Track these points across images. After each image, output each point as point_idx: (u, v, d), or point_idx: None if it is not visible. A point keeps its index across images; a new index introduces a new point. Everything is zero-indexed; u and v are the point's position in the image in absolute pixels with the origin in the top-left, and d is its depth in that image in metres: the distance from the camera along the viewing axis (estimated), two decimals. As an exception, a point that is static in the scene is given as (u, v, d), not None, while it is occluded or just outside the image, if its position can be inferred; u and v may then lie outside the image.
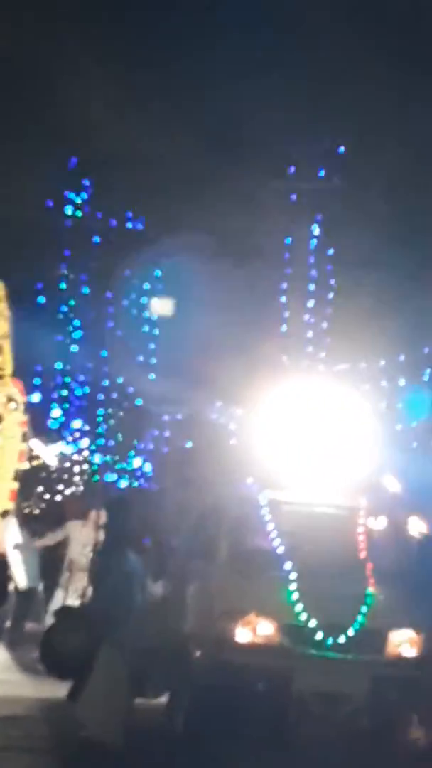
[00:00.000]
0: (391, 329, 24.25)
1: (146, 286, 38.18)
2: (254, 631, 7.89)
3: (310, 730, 7.71)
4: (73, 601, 10.38)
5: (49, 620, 9.77)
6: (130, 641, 7.75)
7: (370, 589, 8.18)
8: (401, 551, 9.18)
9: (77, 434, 32.70)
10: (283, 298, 36.55)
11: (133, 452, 34.10)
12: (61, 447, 24.11)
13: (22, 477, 12.29)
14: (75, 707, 7.77)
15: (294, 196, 35.84)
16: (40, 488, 19.18)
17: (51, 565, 11.70)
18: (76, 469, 23.20)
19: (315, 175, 36.06)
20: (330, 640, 7.86)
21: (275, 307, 35.97)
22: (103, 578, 8.32)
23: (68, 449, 25.81)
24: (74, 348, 38.45)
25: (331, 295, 35.45)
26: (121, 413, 36.51)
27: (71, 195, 38.86)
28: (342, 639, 7.88)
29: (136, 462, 33.02)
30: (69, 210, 38.79)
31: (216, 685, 7.79)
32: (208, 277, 31.12)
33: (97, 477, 23.46)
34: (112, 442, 35.62)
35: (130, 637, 7.75)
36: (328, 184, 35.59)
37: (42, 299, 37.30)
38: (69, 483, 21.75)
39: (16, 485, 11.93)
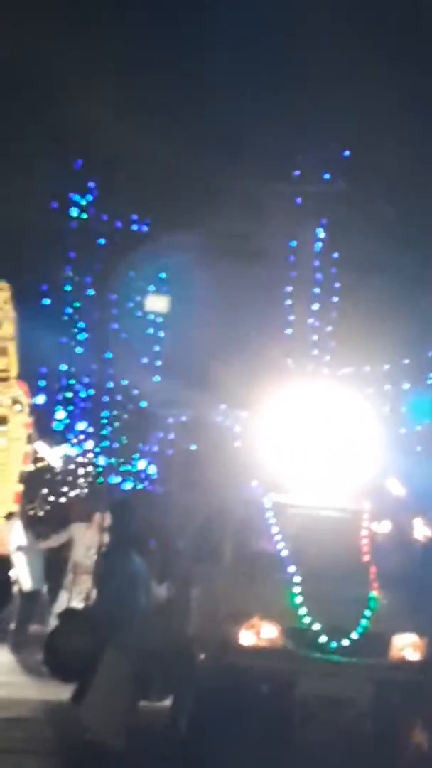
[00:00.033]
0: (396, 333, 24.24)
1: (151, 288, 38.17)
2: (258, 634, 7.90)
3: (314, 734, 7.72)
4: (78, 604, 10.40)
5: (53, 622, 9.79)
6: (135, 644, 7.76)
7: (374, 593, 8.18)
8: (405, 555, 9.19)
9: (82, 436, 32.72)
10: (288, 301, 36.55)
11: (137, 454, 34.08)
12: (65, 449, 24.13)
13: (27, 479, 12.32)
14: (79, 710, 7.78)
15: (299, 199, 35.85)
16: (45, 490, 19.21)
17: (55, 567, 11.71)
18: (81, 471, 23.22)
19: (320, 178, 36.06)
20: (334, 644, 7.86)
21: (280, 310, 35.94)
22: (107, 580, 8.33)
23: (73, 451, 25.83)
24: (79, 350, 38.45)
25: (335, 299, 35.42)
26: (126, 415, 36.49)
27: (76, 197, 38.90)
28: (346, 642, 7.88)
29: (141, 464, 33.01)
30: (74, 212, 38.84)
31: (220, 688, 7.80)
32: (212, 280, 31.12)
33: (101, 479, 23.48)
34: (116, 445, 35.60)
35: (134, 640, 7.76)
36: (333, 187, 35.58)
37: (47, 301, 37.35)
38: (73, 485, 21.78)
39: (20, 487, 11.96)
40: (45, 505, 18.04)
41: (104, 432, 36.96)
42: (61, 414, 36.97)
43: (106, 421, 37.59)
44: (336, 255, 35.81)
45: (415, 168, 25.75)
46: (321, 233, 36.42)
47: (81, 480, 22.67)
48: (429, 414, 21.26)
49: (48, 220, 35.16)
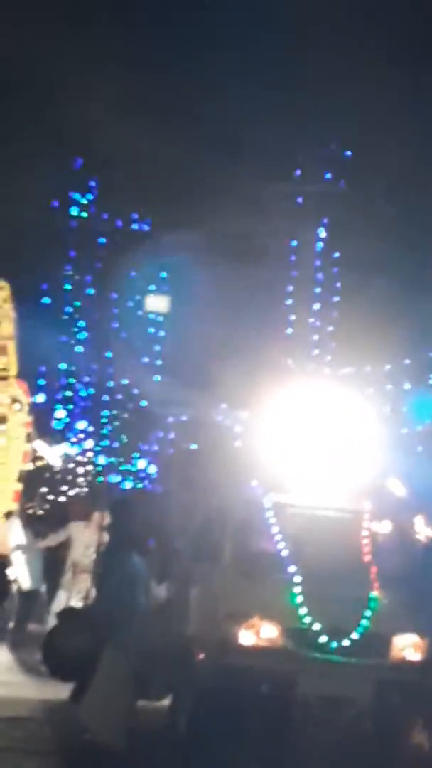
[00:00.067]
0: (397, 333, 24.24)
1: (152, 287, 38.17)
2: (258, 634, 7.88)
3: (314, 734, 7.69)
4: (77, 603, 10.37)
5: (52, 622, 9.77)
6: (134, 643, 7.73)
7: (375, 593, 8.16)
8: (406, 555, 9.17)
9: (81, 435, 32.72)
10: (289, 301, 36.55)
11: (137, 454, 34.10)
12: (65, 448, 24.12)
13: (26, 478, 12.30)
14: (78, 709, 7.75)
15: (300, 199, 35.85)
16: (44, 489, 19.19)
17: (54, 567, 11.69)
18: (80, 470, 23.22)
19: (321, 179, 36.05)
20: (334, 644, 7.84)
21: (281, 310, 35.95)
22: (106, 580, 8.31)
23: (72, 450, 25.83)
24: (79, 349, 38.48)
25: (336, 299, 35.43)
26: (126, 415, 36.51)
27: (76, 196, 38.89)
28: (346, 643, 7.86)
29: (141, 464, 33.02)
30: (74, 211, 38.83)
31: (219, 688, 7.78)
32: (212, 280, 31.11)
33: (101, 478, 23.48)
34: (116, 444, 35.62)
35: (133, 639, 7.73)
36: (334, 187, 35.58)
37: (47, 300, 37.35)
38: (73, 484, 21.78)
39: (20, 486, 11.94)
40: (44, 504, 18.02)
41: (104, 431, 36.98)
42: (60, 413, 37.00)
43: (106, 420, 37.63)
44: (337, 255, 35.83)
45: (416, 168, 25.75)
46: (322, 233, 36.44)
47: (80, 479, 22.67)
48: (430, 414, 21.24)
49: (48, 218, 35.17)
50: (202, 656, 8.17)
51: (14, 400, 12.03)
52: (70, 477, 22.11)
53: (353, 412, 9.07)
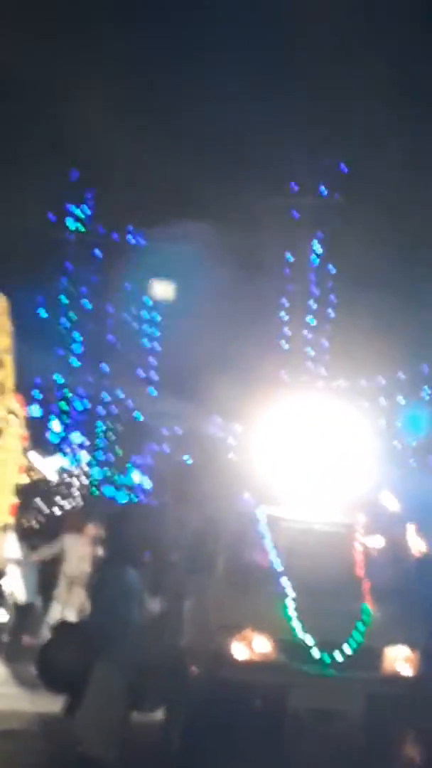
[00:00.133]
0: (391, 347, 24.32)
1: (147, 300, 38.25)
2: (250, 646, 7.91)
3: (306, 747, 7.72)
4: (71, 616, 10.38)
5: (47, 635, 9.77)
6: (127, 656, 7.75)
7: (367, 606, 8.19)
8: (398, 568, 9.20)
9: (76, 448, 32.73)
10: (284, 315, 36.67)
11: (131, 466, 34.12)
12: (60, 460, 24.14)
13: (22, 491, 12.31)
14: (71, 722, 7.77)
15: (295, 213, 36.00)
16: (39, 502, 19.19)
17: (49, 580, 11.70)
18: (75, 482, 23.20)
19: (316, 192, 36.21)
20: (326, 657, 7.87)
21: (276, 323, 36.06)
22: (100, 592, 8.33)
23: (67, 463, 25.83)
24: (74, 361, 38.55)
25: (331, 312, 35.55)
26: (121, 427, 36.53)
27: (73, 208, 39.00)
28: (338, 656, 7.89)
29: (135, 476, 33.03)
30: (71, 224, 38.94)
31: (212, 701, 7.80)
32: (207, 292, 31.19)
33: (95, 491, 23.47)
34: (111, 456, 35.65)
35: (127, 652, 7.75)
36: (329, 201, 35.74)
37: (43, 313, 37.43)
38: (68, 497, 21.76)
39: (15, 499, 11.95)
40: (39, 516, 18.02)
41: (99, 443, 37.02)
42: (56, 425, 37.03)
43: (100, 432, 37.67)
44: (332, 269, 35.98)
45: (411, 181, 25.87)
46: (317, 247, 36.56)
47: (75, 492, 22.67)
48: (423, 428, 21.31)
49: (45, 231, 35.26)
50: (195, 668, 8.20)
51: (10, 413, 12.05)
52: (65, 489, 22.10)
53: (347, 426, 9.13)
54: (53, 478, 20.82)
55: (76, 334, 38.96)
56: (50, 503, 20.07)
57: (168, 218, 31.44)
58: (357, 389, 23.47)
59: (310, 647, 7.87)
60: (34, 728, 8.53)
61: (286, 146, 31.00)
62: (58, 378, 37.42)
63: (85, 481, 24.39)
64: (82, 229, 39.50)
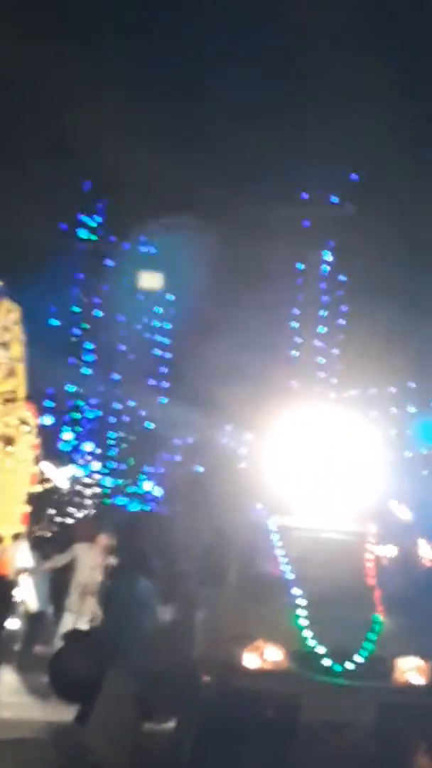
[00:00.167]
0: (402, 356, 24.32)
1: (158, 309, 38.29)
2: (262, 656, 7.90)
3: (317, 757, 7.70)
4: (83, 625, 10.40)
5: (59, 643, 9.79)
6: (139, 665, 7.76)
7: (379, 616, 8.18)
8: (410, 578, 9.18)
9: (88, 457, 32.75)
10: (295, 324, 36.66)
11: (143, 476, 34.12)
12: (72, 470, 24.19)
13: (34, 500, 12.34)
14: (83, 731, 7.77)
15: (306, 223, 36.02)
16: (51, 511, 19.22)
17: (61, 589, 11.72)
18: (87, 492, 23.23)
19: (327, 202, 36.23)
20: (338, 667, 7.85)
21: (286, 333, 36.05)
22: (112, 601, 8.34)
23: (80, 472, 25.88)
24: (86, 371, 38.60)
25: (342, 322, 35.53)
26: (133, 437, 36.54)
27: (85, 218, 39.11)
28: (350, 666, 7.87)
29: (147, 485, 33.04)
30: (83, 234, 39.05)
31: (224, 710, 7.79)
32: (219, 301, 31.22)
33: (107, 500, 23.48)
34: (123, 466, 35.65)
35: (138, 661, 7.76)
36: (340, 210, 35.77)
37: (55, 322, 37.49)
38: (80, 506, 21.79)
39: (28, 508, 11.99)
40: (51, 525, 18.05)
41: (111, 453, 37.04)
42: (68, 435, 37.07)
43: (112, 442, 37.69)
44: (343, 278, 35.97)
45: (422, 191, 25.88)
46: (328, 256, 36.55)
47: (87, 501, 22.69)
48: (435, 438, 21.27)
49: (57, 241, 35.39)
50: (207, 679, 8.20)
51: (23, 422, 12.09)
52: (77, 499, 22.11)
53: (358, 435, 9.13)
54: (65, 487, 20.87)
55: (87, 344, 39.07)
56: (62, 512, 20.09)
57: (179, 229, 31.53)
58: (367, 398, 23.46)
59: (322, 657, 7.86)
60: (46, 737, 8.54)
61: (297, 156, 31.11)
62: (70, 387, 37.53)
63: (97, 491, 24.43)
64: (94, 239, 39.67)
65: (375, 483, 9.00)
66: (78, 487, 23.10)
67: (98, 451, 34.63)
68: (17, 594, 11.45)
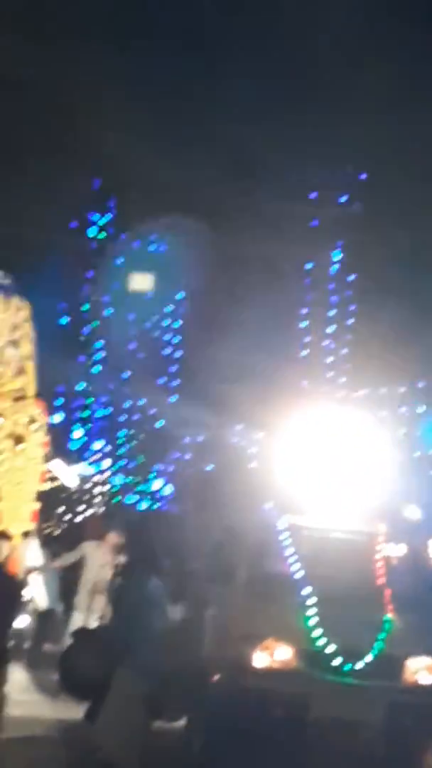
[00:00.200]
0: (411, 355, 24.28)
1: (168, 308, 38.35)
2: (272, 655, 7.92)
3: (327, 756, 7.71)
4: (93, 623, 10.42)
5: (67, 641, 9.81)
6: (149, 664, 7.78)
7: (389, 616, 8.19)
8: (420, 577, 9.18)
9: (98, 455, 32.82)
10: (304, 323, 36.67)
11: (153, 474, 34.16)
12: (82, 468, 24.22)
13: (43, 498, 12.35)
14: (92, 729, 7.79)
15: (316, 222, 36.00)
16: (61, 509, 19.27)
17: (70, 587, 11.75)
18: (97, 490, 23.27)
19: (336, 201, 36.21)
20: (348, 666, 7.86)
21: (296, 332, 36.06)
22: (122, 600, 8.35)
23: (89, 470, 25.92)
24: (96, 369, 38.67)
25: (351, 321, 35.53)
26: (143, 435, 36.60)
27: (95, 216, 39.20)
28: (360, 665, 7.88)
29: (157, 484, 33.10)
30: (93, 232, 39.14)
31: (233, 710, 7.81)
32: (228, 301, 31.25)
33: (117, 498, 23.53)
34: (133, 464, 35.70)
35: (148, 660, 7.78)
36: (350, 209, 35.73)
37: (65, 320, 37.59)
38: (89, 504, 21.83)
39: (37, 506, 11.99)
40: (61, 524, 18.10)
41: (121, 451, 37.09)
42: (78, 433, 37.15)
43: (122, 440, 37.75)
44: (352, 277, 35.94)
45: (432, 191, 25.84)
46: (337, 255, 36.55)
47: (97, 499, 22.73)
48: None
49: (67, 239, 35.44)
50: (216, 677, 8.21)
51: (32, 420, 12.09)
52: (86, 497, 22.16)
53: (367, 435, 9.13)
54: (75, 485, 20.90)
55: (97, 342, 39.10)
56: (72, 510, 20.14)
57: (189, 227, 31.53)
58: (377, 398, 23.44)
59: (332, 656, 7.87)
60: (55, 735, 8.58)
61: (307, 155, 31.05)
62: (80, 385, 37.57)
63: (107, 488, 24.46)
64: (104, 237, 39.69)
65: (385, 482, 9.01)
66: (87, 485, 23.13)
67: (108, 449, 34.64)
68: (27, 592, 11.47)
